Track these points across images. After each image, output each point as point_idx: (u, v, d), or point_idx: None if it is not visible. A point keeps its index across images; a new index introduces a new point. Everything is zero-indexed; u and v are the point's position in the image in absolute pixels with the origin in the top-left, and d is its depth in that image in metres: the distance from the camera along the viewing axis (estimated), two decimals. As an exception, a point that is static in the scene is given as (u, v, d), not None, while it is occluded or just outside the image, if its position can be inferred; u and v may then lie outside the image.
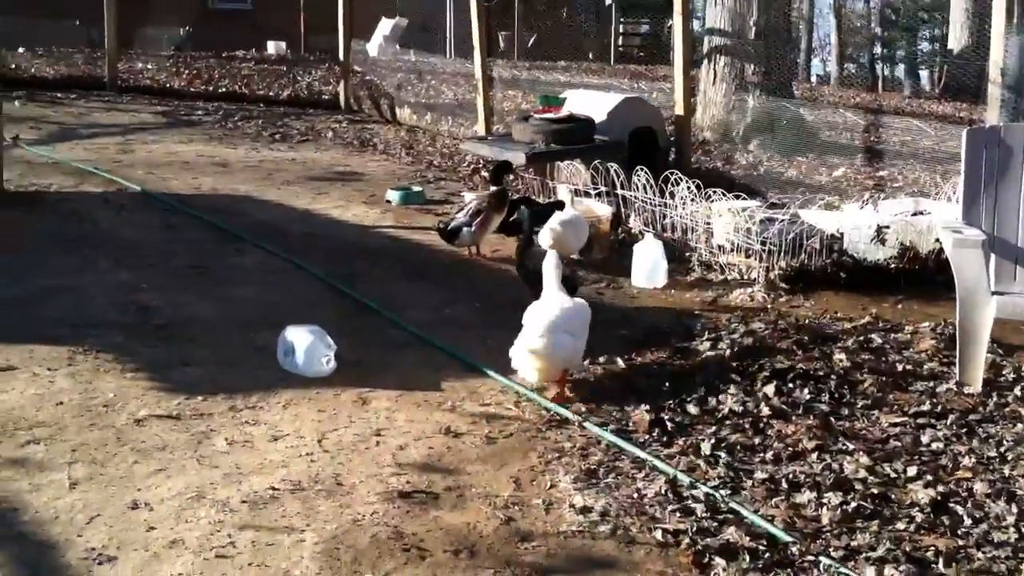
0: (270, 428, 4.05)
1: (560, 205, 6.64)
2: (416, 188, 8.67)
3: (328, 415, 4.20)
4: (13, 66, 15.87)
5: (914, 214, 6.58)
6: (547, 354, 4.31)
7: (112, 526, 3.27)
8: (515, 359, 4.40)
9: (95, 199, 8.05)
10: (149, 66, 17.42)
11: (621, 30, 27.22)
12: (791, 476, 3.68)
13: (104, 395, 4.31)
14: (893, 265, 6.24)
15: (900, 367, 4.78)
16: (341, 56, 14.53)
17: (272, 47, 21.76)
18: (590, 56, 24.58)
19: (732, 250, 6.47)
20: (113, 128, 11.81)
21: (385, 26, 19.87)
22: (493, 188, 6.85)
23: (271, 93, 15.52)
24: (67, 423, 4.03)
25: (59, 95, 14.05)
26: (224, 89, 15.61)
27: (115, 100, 14.17)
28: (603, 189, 7.55)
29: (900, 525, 3.35)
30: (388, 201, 8.39)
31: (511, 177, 7.89)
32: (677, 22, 8.82)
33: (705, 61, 11.66)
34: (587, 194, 7.61)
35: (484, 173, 9.55)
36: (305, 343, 4.57)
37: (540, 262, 4.79)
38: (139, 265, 6.28)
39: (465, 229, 6.61)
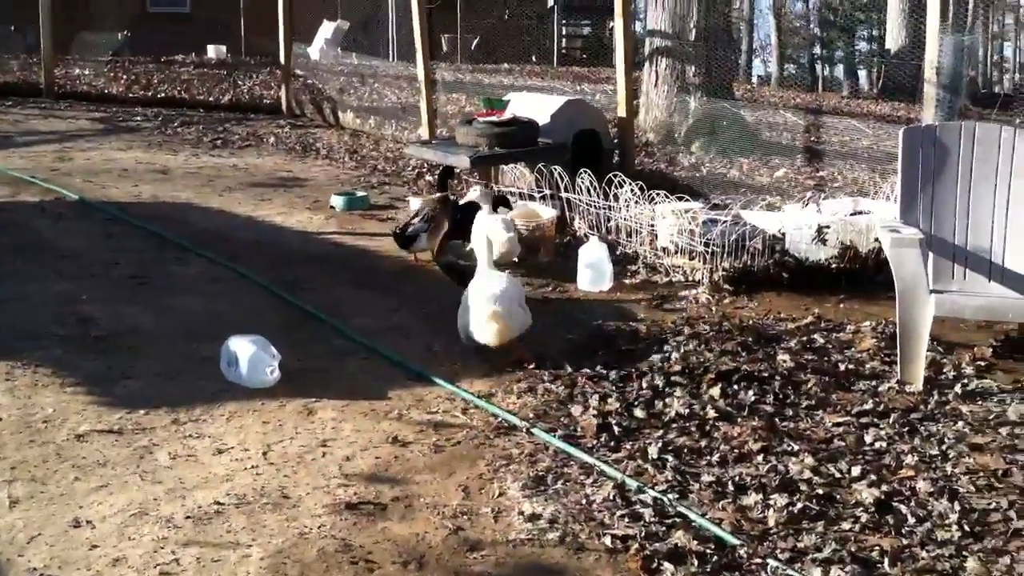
0: (214, 441, 4.00)
1: (505, 202, 6.71)
2: (360, 193, 8.62)
3: (273, 426, 4.15)
4: (-55, 73, 15.58)
5: (853, 213, 6.66)
6: (506, 316, 4.78)
7: (54, 545, 3.21)
8: (474, 326, 4.87)
9: (32, 208, 7.91)
10: (86, 72, 17.19)
11: (563, 32, 27.29)
12: (737, 478, 3.70)
13: (43, 410, 4.23)
14: (834, 265, 6.31)
15: (842, 367, 4.83)
16: (282, 60, 14.39)
17: (212, 51, 21.58)
18: (533, 58, 24.64)
19: (676, 252, 6.51)
20: (50, 135, 11.63)
21: (327, 29, 19.78)
22: (438, 194, 6.87)
23: (211, 98, 15.36)
24: (5, 440, 3.95)
25: (-6, 102, 13.80)
26: (163, 94, 15.42)
27: (52, 107, 13.95)
28: (547, 192, 7.56)
29: (845, 525, 3.38)
30: (332, 207, 8.34)
31: (455, 182, 7.87)
32: (619, 24, 8.85)
33: (647, 63, 11.71)
34: (531, 197, 7.62)
35: (429, 177, 9.53)
36: (248, 353, 4.52)
37: (459, 253, 5.23)
38: (79, 275, 6.17)
39: (423, 235, 6.60)
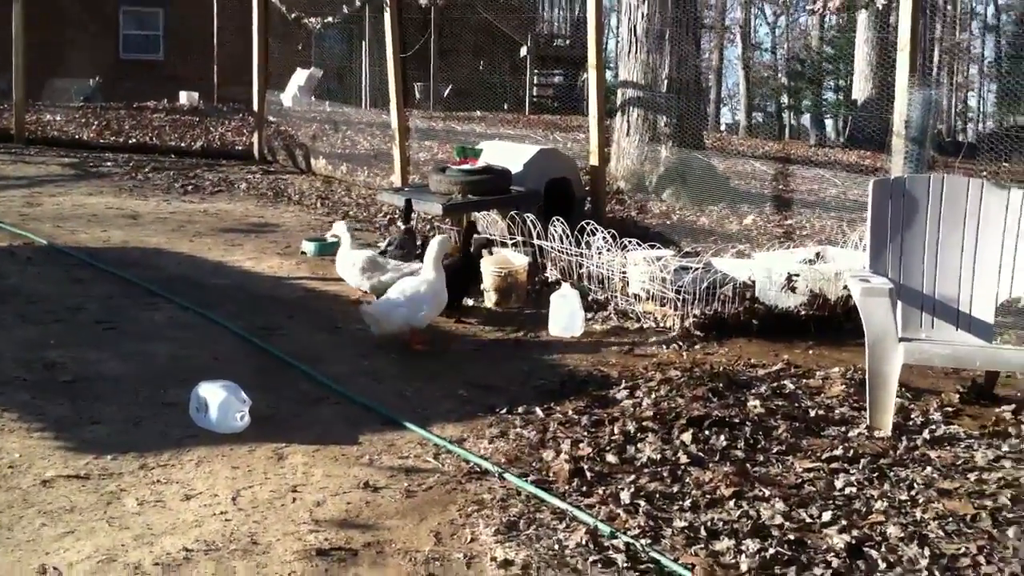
0: (182, 487, 3.95)
1: (487, 244, 6.84)
2: (331, 239, 8.62)
3: (243, 472, 4.12)
4: (-85, 117, 15.51)
5: (810, 261, 6.73)
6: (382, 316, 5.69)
7: (17, 593, 3.16)
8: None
9: (1, 253, 7.84)
10: (58, 117, 17.16)
11: (535, 81, 27.53)
12: (710, 523, 3.70)
13: (9, 455, 4.18)
14: (804, 312, 6.37)
15: (813, 412, 4.86)
16: (255, 106, 14.45)
17: (184, 97, 21.60)
18: (505, 106, 24.82)
19: (648, 299, 6.54)
20: (20, 180, 11.57)
21: (300, 76, 19.84)
22: (403, 227, 7.29)
23: (183, 144, 15.36)
24: (-31, 486, 3.89)
25: (-37, 147, 13.75)
26: (135, 140, 15.41)
27: (22, 152, 13.91)
28: (520, 239, 7.59)
29: (817, 571, 3.38)
30: (303, 252, 8.33)
31: (414, 215, 7.95)
32: (592, 75, 8.95)
33: (619, 112, 11.84)
34: (504, 244, 7.65)
35: (400, 224, 9.54)
36: (219, 399, 4.49)
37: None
38: (46, 320, 6.12)
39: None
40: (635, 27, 11.49)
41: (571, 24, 28.81)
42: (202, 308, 6.46)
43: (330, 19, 13.11)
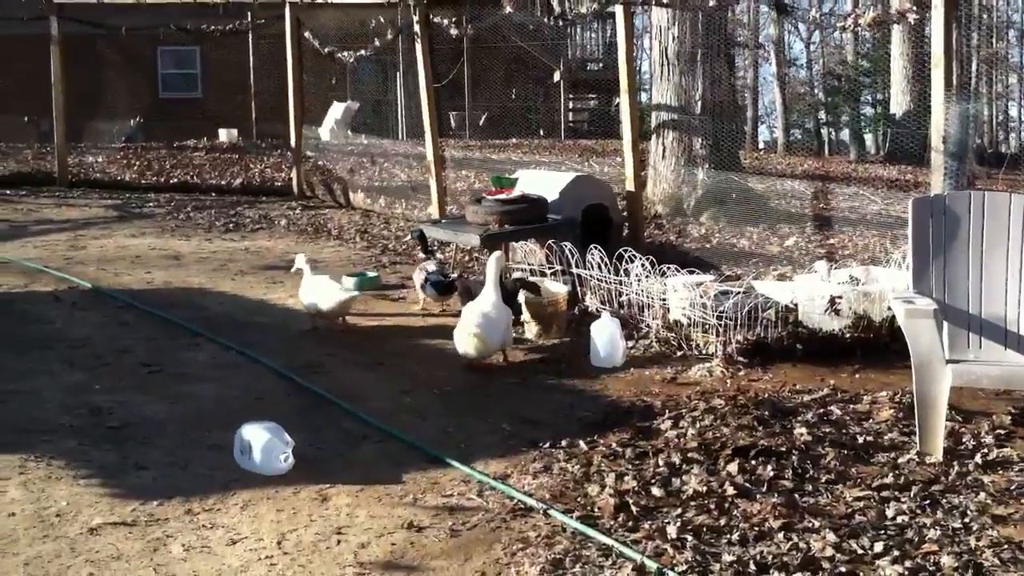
0: (228, 531, 3.96)
1: (531, 287, 6.91)
2: (371, 274, 8.66)
3: (287, 514, 4.12)
4: (-39, 165, 15.79)
5: (854, 280, 6.64)
6: (483, 336, 5.98)
7: (66, 645, 3.17)
8: (456, 339, 6.09)
9: (46, 298, 7.95)
10: (99, 159, 17.40)
11: (570, 106, 27.56)
12: (759, 557, 3.65)
13: (57, 504, 4.21)
14: (848, 335, 6.29)
15: (861, 439, 4.78)
16: (293, 142, 14.57)
17: (224, 135, 21.84)
18: (541, 132, 24.85)
19: (689, 325, 6.49)
20: (64, 224, 11.75)
21: (336, 110, 20.02)
22: (423, 255, 7.66)
23: (223, 182, 15.51)
24: (19, 535, 3.92)
25: (8, 192, 14.00)
26: (176, 180, 15.59)
27: (65, 195, 14.12)
28: (558, 268, 7.58)
29: (870, 604, 3.32)
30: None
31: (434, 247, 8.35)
32: (624, 100, 8.95)
33: (654, 136, 11.81)
34: (543, 274, 7.63)
35: (439, 255, 9.56)
36: (262, 441, 4.50)
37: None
38: (92, 365, 6.18)
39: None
40: (666, 49, 11.47)
41: (603, 48, 28.83)
42: (244, 347, 6.50)
43: (363, 52, 13.19)
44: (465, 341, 6.06)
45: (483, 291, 6.32)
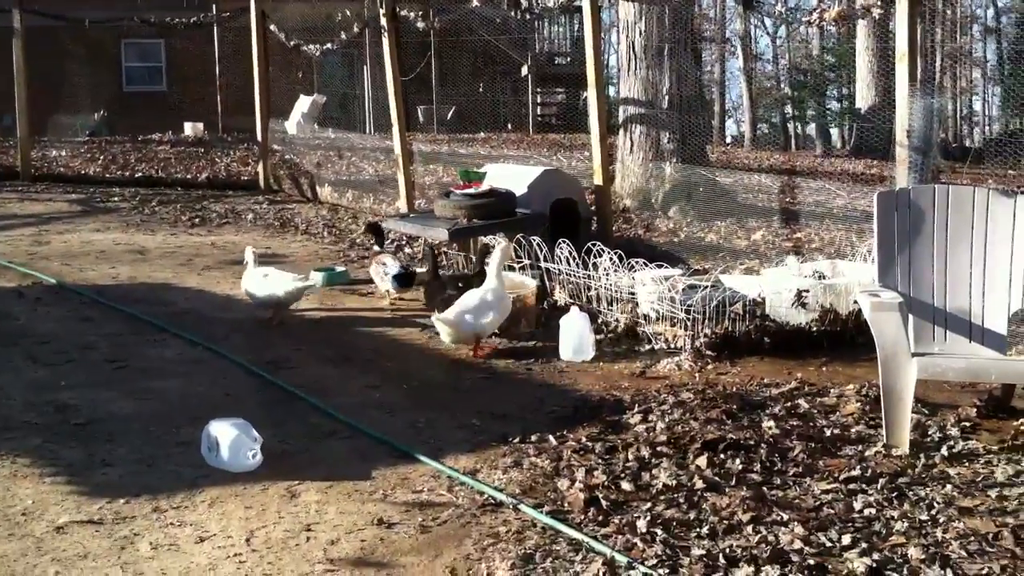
0: (196, 528, 3.93)
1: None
2: (340, 268, 8.63)
3: (256, 511, 4.09)
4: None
5: (819, 276, 6.69)
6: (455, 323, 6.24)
7: (32, 645, 3.13)
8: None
9: (9, 294, 7.86)
10: (63, 153, 17.23)
11: (538, 100, 27.58)
12: (728, 550, 3.66)
13: (22, 502, 4.16)
14: (815, 328, 6.33)
15: (828, 432, 4.82)
16: (259, 136, 14.48)
17: (189, 128, 21.67)
18: (509, 126, 24.85)
19: (657, 319, 6.51)
20: (27, 219, 11.62)
21: (303, 103, 19.89)
22: (377, 248, 7.86)
23: (189, 176, 15.41)
24: (-17, 535, 3.87)
25: (-30, 186, 13.81)
26: (141, 174, 15.46)
27: (28, 189, 13.97)
28: (527, 263, 7.57)
29: (838, 596, 3.34)
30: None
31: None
32: (592, 94, 8.95)
33: (621, 130, 11.84)
34: (511, 268, 7.63)
35: (408, 250, 9.55)
36: (230, 437, 4.47)
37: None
38: (57, 361, 6.12)
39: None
40: (633, 44, 11.50)
41: (571, 42, 28.86)
42: (211, 342, 6.46)
43: (329, 45, 13.12)
44: (439, 327, 6.34)
45: (487, 278, 6.49)
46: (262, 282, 7.05)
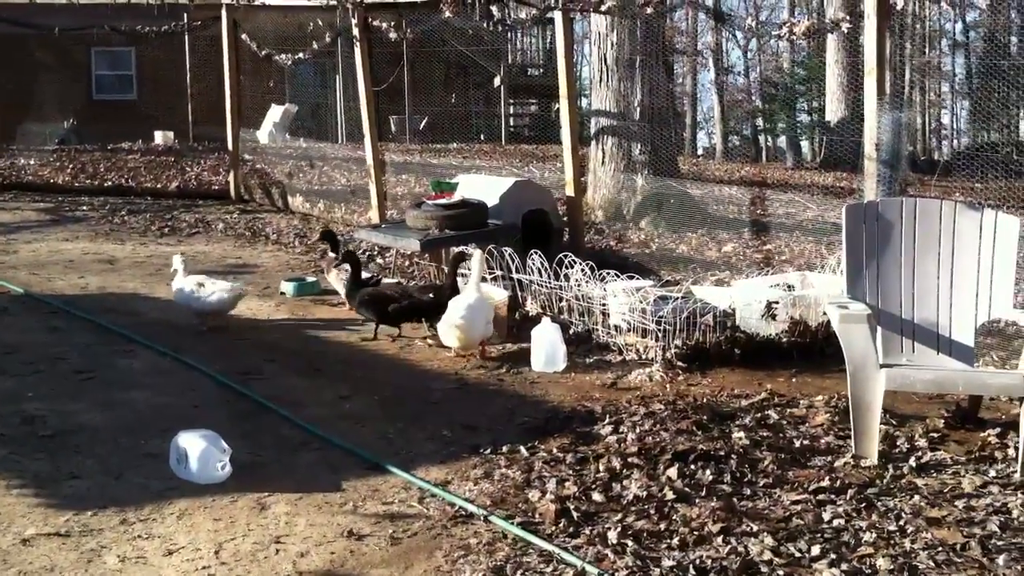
0: (164, 541, 3.90)
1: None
2: (310, 279, 8.59)
3: (225, 524, 4.06)
4: None
5: (788, 287, 6.73)
6: (467, 327, 6.28)
7: (-4, 659, 3.10)
8: (441, 331, 6.41)
9: (-25, 303, 7.78)
10: (31, 161, 17.07)
11: (511, 111, 27.61)
12: (698, 561, 3.67)
13: (-12, 514, 4.12)
14: (785, 339, 6.37)
15: (798, 443, 4.84)
16: (230, 145, 14.41)
17: (159, 137, 21.54)
18: (481, 137, 24.86)
19: (629, 330, 6.53)
20: (-6, 227, 11.51)
21: (275, 113, 19.86)
22: (331, 255, 7.80)
23: (159, 185, 15.30)
24: (-53, 548, 3.83)
25: (-64, 195, 13.66)
26: (110, 183, 15.34)
27: (-4, 198, 13.83)
28: (499, 273, 7.58)
29: (807, 607, 3.35)
30: (282, 293, 8.29)
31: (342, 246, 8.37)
32: (564, 106, 8.97)
33: (593, 142, 11.87)
34: (483, 279, 7.62)
35: (380, 260, 9.53)
36: (199, 449, 4.44)
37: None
38: (23, 372, 6.06)
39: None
40: (605, 56, 11.54)
41: (543, 53, 28.94)
42: (180, 353, 6.41)
43: (301, 55, 13.09)
44: (450, 333, 6.35)
45: (466, 287, 6.56)
46: (195, 291, 7.09)
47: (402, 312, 6.92)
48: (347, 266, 7.46)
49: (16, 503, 4.23)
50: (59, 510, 4.16)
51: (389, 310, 6.89)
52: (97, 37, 19.35)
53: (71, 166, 16.65)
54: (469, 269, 6.82)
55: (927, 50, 36.19)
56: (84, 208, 13.28)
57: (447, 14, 10.30)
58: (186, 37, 20.52)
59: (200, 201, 14.21)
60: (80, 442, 4.93)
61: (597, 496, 4.25)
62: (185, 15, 18.32)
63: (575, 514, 4.07)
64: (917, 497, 4.23)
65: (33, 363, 6.24)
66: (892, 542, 3.82)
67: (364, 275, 7.51)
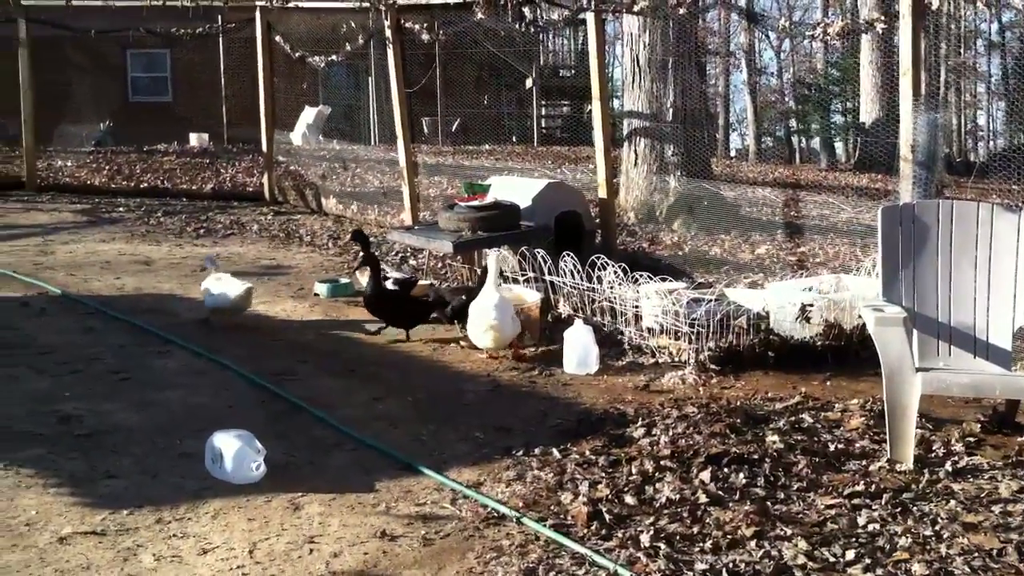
0: (199, 540, 3.93)
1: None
2: (344, 280, 8.62)
3: (259, 523, 4.09)
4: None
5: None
6: (500, 327, 6.30)
7: (34, 656, 3.13)
8: (473, 333, 6.46)
9: (14, 304, 7.86)
10: (68, 163, 17.25)
11: (543, 112, 27.60)
12: (731, 565, 3.65)
13: (26, 513, 4.16)
14: (819, 343, 6.33)
15: (832, 447, 4.81)
16: (264, 147, 14.49)
17: (195, 139, 21.68)
18: (514, 138, 24.87)
19: (662, 332, 6.51)
20: (33, 229, 11.63)
21: (309, 114, 19.93)
22: (363, 255, 7.48)
23: (194, 187, 15.41)
24: (-14, 545, 3.88)
25: (-25, 197, 13.82)
26: (146, 184, 15.48)
27: (34, 199, 13.99)
28: (531, 275, 7.58)
29: (842, 612, 3.33)
30: (316, 294, 8.33)
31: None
32: (596, 107, 8.96)
33: (626, 142, 11.85)
34: (516, 280, 7.63)
35: (413, 261, 9.56)
36: (233, 449, 4.47)
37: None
38: (60, 372, 6.12)
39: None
40: (638, 57, 11.52)
41: (575, 54, 28.91)
42: (215, 354, 6.46)
43: (334, 57, 13.14)
44: (484, 334, 6.39)
45: (484, 289, 6.52)
46: (215, 285, 7.26)
47: (404, 314, 7.04)
48: (387, 268, 7.51)
49: (53, 502, 4.28)
50: (95, 509, 4.20)
51: (392, 311, 7.08)
52: (133, 39, 19.47)
53: (107, 168, 16.81)
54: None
55: (963, 50, 35.86)
56: (120, 209, 13.40)
57: (479, 15, 10.30)
58: (220, 39, 20.65)
59: (235, 203, 14.30)
60: (116, 442, 4.97)
61: (630, 499, 4.24)
62: (220, 17, 18.42)
63: (607, 516, 4.06)
64: (953, 502, 4.19)
65: (70, 363, 6.31)
66: (928, 547, 3.79)
67: (398, 275, 7.56)
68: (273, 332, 7.21)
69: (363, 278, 7.75)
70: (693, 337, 6.27)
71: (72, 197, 14.38)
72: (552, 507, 4.20)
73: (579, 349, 6.24)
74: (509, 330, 6.42)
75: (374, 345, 6.92)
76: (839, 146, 33.30)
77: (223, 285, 7.24)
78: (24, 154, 14.99)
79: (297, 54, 13.63)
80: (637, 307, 6.75)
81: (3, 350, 6.56)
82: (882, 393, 4.73)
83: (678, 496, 4.25)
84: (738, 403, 5.50)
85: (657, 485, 4.37)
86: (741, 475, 4.44)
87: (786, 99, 41.10)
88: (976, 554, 3.72)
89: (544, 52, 29.16)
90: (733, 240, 10.40)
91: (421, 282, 7.88)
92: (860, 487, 4.31)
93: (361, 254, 7.65)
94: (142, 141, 20.13)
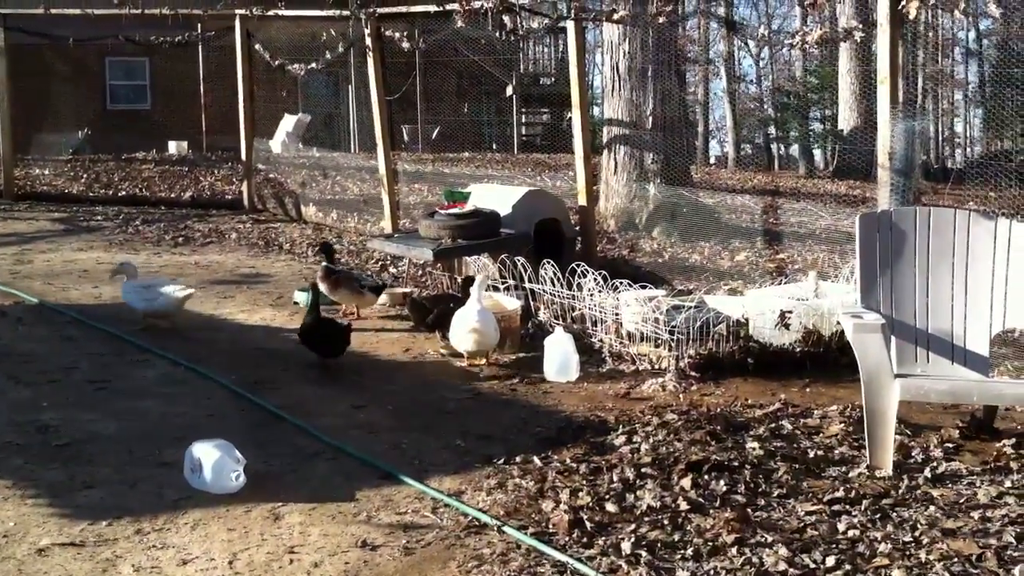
0: (178, 551, 3.91)
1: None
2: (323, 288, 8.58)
3: (239, 534, 4.07)
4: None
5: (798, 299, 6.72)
6: (483, 330, 6.33)
7: (12, 669, 3.10)
8: (455, 338, 6.44)
9: (-9, 313, 7.81)
10: (46, 171, 17.16)
11: (523, 120, 27.62)
12: (713, 572, 3.66)
13: (4, 524, 4.13)
14: (798, 349, 6.35)
15: (812, 453, 4.83)
16: (243, 155, 14.44)
17: (173, 147, 21.60)
18: (493, 146, 24.88)
19: (642, 340, 6.52)
20: (10, 237, 11.56)
21: (288, 122, 19.89)
22: (326, 265, 7.58)
23: (173, 195, 15.36)
24: (-37, 557, 3.84)
25: (-48, 205, 13.74)
26: (124, 192, 15.42)
27: (11, 208, 13.91)
28: (511, 283, 7.58)
29: (822, 618, 3.34)
30: (296, 303, 8.30)
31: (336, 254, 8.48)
32: (576, 115, 8.98)
33: (605, 150, 11.87)
34: (496, 288, 7.63)
35: (392, 270, 9.55)
36: (212, 459, 4.45)
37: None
38: (38, 382, 6.08)
39: None
40: (617, 65, 11.55)
41: (555, 62, 28.94)
42: (194, 362, 6.43)
43: (314, 65, 13.12)
44: (465, 337, 6.39)
45: (468, 302, 6.49)
46: (143, 293, 7.34)
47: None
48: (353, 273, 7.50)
49: (31, 513, 4.24)
50: (74, 520, 4.17)
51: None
52: (111, 47, 19.42)
53: (85, 176, 16.73)
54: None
55: (940, 58, 36.10)
56: (98, 218, 13.33)
57: (459, 24, 10.31)
58: (200, 47, 20.56)
59: (214, 211, 14.25)
60: (94, 452, 4.94)
61: (611, 506, 4.24)
62: (199, 25, 18.35)
63: (589, 524, 4.06)
64: (932, 508, 4.22)
65: (47, 373, 6.27)
66: (907, 553, 3.80)
67: (375, 282, 7.63)
68: (252, 341, 7.18)
69: (325, 288, 7.59)
70: (673, 344, 6.29)
71: (50, 205, 14.31)
72: (533, 515, 4.20)
73: (559, 356, 6.24)
74: (492, 338, 6.43)
75: (353, 353, 6.90)
76: (818, 153, 33.42)
77: (153, 291, 7.38)
78: (1, 162, 14.90)
79: (277, 62, 13.59)
80: (617, 314, 6.76)
81: (-20, 360, 6.51)
82: (861, 399, 4.75)
83: (659, 503, 4.25)
84: (718, 410, 5.52)
85: (638, 492, 4.37)
86: (722, 482, 4.45)
87: (765, 107, 41.25)
88: (955, 559, 3.73)
89: (524, 60, 29.19)
90: (713, 247, 10.43)
91: (400, 290, 7.87)
92: (840, 493, 4.33)
93: (335, 263, 7.67)
94: (120, 149, 20.02)
